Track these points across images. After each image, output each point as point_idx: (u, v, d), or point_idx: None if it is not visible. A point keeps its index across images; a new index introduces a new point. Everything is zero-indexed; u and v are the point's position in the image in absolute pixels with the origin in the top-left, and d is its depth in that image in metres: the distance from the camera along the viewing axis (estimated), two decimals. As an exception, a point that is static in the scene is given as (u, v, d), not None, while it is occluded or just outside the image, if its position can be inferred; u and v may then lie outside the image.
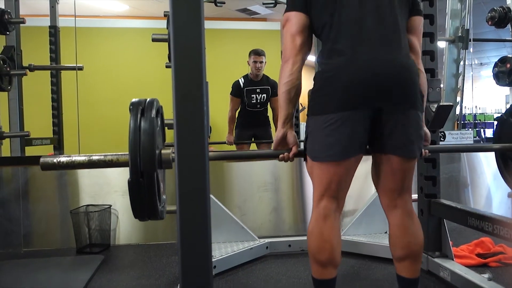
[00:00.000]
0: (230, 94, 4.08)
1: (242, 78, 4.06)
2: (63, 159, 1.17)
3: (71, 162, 1.17)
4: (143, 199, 1.09)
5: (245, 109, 4.10)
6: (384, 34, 1.39)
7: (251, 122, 4.15)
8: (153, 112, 1.12)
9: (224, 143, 4.20)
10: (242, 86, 4.02)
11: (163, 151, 1.12)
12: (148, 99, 1.17)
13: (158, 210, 1.14)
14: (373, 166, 1.53)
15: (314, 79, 1.45)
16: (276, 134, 1.52)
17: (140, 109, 1.11)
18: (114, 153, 1.16)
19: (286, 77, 1.45)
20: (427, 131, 1.60)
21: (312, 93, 1.44)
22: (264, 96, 4.05)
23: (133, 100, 1.15)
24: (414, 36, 1.50)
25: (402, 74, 1.38)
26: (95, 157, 1.16)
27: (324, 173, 1.43)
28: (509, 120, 1.84)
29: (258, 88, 4.02)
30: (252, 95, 4.03)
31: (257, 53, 3.96)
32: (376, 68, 1.36)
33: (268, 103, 4.13)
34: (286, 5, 1.51)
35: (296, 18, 1.45)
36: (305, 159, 1.50)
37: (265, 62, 4.00)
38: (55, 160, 1.16)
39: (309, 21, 1.45)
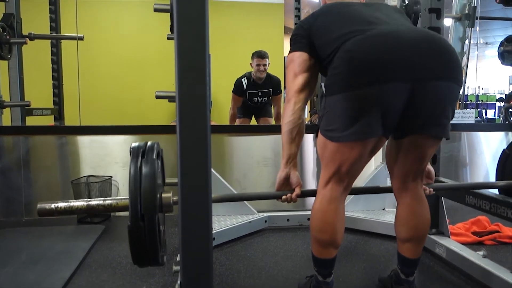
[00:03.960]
0: (232, 92, 4.11)
1: (245, 78, 4.05)
2: (61, 204, 1.13)
3: (69, 207, 1.13)
4: (143, 245, 1.06)
5: (247, 102, 4.16)
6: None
7: (252, 108, 4.25)
8: (154, 156, 1.11)
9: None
10: (244, 88, 4.03)
11: (163, 195, 1.11)
12: (148, 143, 1.16)
13: (159, 256, 1.12)
14: (392, 150, 1.47)
15: (332, 58, 1.35)
16: (278, 174, 1.48)
17: (141, 153, 1.10)
18: (113, 198, 1.15)
19: (288, 117, 1.44)
20: (431, 168, 1.57)
21: (330, 71, 1.34)
22: (265, 99, 4.12)
23: (133, 144, 1.14)
24: None
25: (436, 41, 1.26)
26: (93, 202, 1.13)
27: (336, 154, 1.35)
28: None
29: (260, 92, 4.06)
30: (254, 98, 4.09)
31: (260, 56, 3.92)
32: (402, 36, 1.25)
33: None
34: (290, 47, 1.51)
35: (299, 59, 1.45)
36: (317, 135, 1.45)
37: (269, 63, 3.98)
38: (52, 206, 1.12)
39: (313, 61, 1.44)
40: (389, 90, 1.23)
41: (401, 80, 1.23)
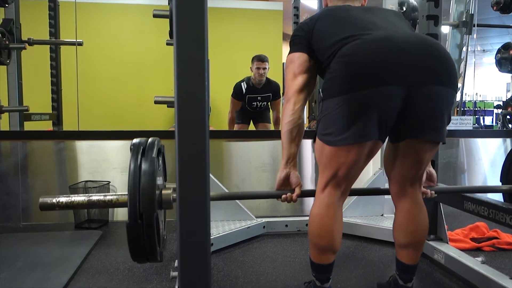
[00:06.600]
0: (232, 96, 4.08)
1: (244, 83, 4.02)
2: (62, 199, 1.15)
3: (71, 202, 1.15)
4: (141, 241, 1.06)
5: (245, 107, 4.14)
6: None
7: (250, 113, 4.24)
8: (154, 153, 1.11)
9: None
10: (244, 92, 4.00)
11: (163, 192, 1.11)
12: (149, 140, 1.15)
13: (158, 252, 1.12)
14: (390, 154, 1.47)
15: (330, 61, 1.38)
16: (278, 174, 1.48)
17: (141, 149, 1.10)
18: (114, 193, 1.15)
19: (288, 117, 1.45)
20: (433, 171, 1.57)
21: (327, 75, 1.36)
22: (264, 103, 4.10)
23: (134, 140, 1.14)
24: None
25: (432, 46, 1.27)
26: (94, 198, 1.15)
27: (333, 159, 1.35)
28: None
29: (259, 96, 4.03)
30: (253, 102, 4.06)
31: (260, 60, 3.89)
32: (398, 41, 1.26)
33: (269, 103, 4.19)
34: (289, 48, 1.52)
35: (299, 59, 1.46)
36: (314, 140, 1.45)
37: (268, 68, 3.95)
38: (54, 200, 1.14)
39: (313, 62, 1.45)
40: (384, 94, 1.24)
41: (396, 84, 1.24)
